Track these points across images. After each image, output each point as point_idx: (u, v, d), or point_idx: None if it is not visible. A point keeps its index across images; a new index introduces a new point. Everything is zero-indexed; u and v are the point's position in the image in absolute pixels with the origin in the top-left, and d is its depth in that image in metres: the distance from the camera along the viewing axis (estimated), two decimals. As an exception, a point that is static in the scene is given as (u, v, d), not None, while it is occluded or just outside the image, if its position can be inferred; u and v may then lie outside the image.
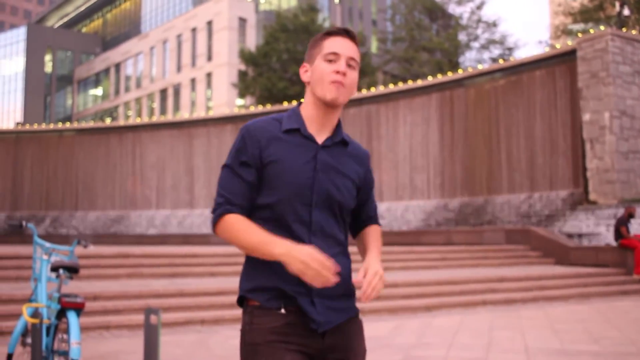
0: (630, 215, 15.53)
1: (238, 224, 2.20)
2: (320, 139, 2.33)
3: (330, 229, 2.30)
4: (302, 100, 2.41)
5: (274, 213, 2.25)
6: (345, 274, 2.29)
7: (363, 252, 2.47)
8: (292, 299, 2.20)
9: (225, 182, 2.26)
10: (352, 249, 2.43)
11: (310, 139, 2.30)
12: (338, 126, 2.38)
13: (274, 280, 2.21)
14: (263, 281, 2.24)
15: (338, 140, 2.36)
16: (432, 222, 23.73)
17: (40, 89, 71.68)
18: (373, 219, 2.57)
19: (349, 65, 2.30)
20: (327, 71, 2.28)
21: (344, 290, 2.31)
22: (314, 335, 2.22)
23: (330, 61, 2.29)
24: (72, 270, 5.62)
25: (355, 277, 2.24)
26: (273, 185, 2.24)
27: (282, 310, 2.21)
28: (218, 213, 2.24)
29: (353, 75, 2.32)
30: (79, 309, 5.26)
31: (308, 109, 2.35)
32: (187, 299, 10.24)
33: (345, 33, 2.34)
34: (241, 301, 2.32)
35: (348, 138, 2.42)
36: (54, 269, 5.58)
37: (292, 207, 2.24)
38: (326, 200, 2.28)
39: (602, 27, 22.66)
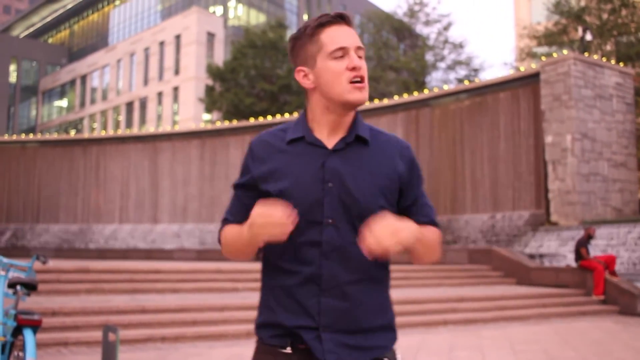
0: (589, 237, 15.74)
1: (227, 231, 1.99)
2: (331, 143, 1.99)
3: (353, 251, 1.92)
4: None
5: None
6: (371, 304, 2.00)
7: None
8: (299, 336, 1.91)
9: (230, 204, 2.07)
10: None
11: (317, 144, 1.98)
12: (354, 123, 2.02)
13: (278, 313, 1.94)
14: (268, 315, 1.98)
15: (352, 140, 1.99)
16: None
17: (4, 100, 70.66)
18: (426, 224, 2.05)
19: (358, 57, 1.99)
20: (341, 70, 1.95)
21: (369, 323, 1.98)
22: None
23: (339, 57, 1.96)
24: (30, 287, 5.56)
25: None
26: None
27: (288, 349, 1.92)
28: (218, 233, 2.05)
29: (365, 67, 2.00)
30: (35, 327, 5.21)
31: (317, 114, 2.01)
32: (148, 315, 10.13)
33: (341, 19, 1.99)
34: None
35: (371, 133, 2.05)
36: (11, 285, 5.52)
37: (300, 227, 1.89)
38: (343, 215, 1.93)
39: (565, 51, 23.07)
